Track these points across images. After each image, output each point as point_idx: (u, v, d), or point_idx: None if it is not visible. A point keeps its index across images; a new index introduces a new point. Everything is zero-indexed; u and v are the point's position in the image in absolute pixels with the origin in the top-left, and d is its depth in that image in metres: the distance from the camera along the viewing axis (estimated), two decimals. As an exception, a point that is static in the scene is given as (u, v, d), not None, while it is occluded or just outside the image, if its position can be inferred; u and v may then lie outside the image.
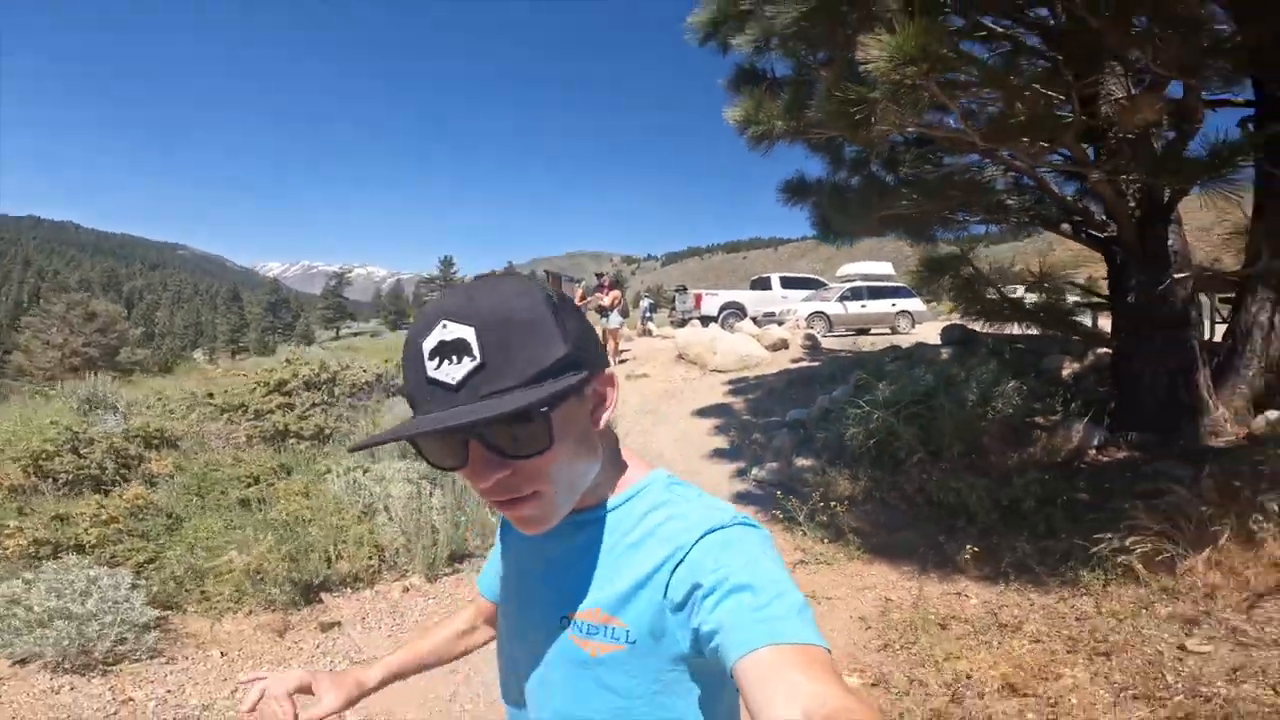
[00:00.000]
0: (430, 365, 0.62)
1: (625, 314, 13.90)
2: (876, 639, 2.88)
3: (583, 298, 13.46)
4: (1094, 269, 6.05)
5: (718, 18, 4.26)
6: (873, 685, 2.58)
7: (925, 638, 2.77)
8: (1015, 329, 6.23)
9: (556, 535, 0.72)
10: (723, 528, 0.66)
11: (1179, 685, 2.28)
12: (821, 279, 19.40)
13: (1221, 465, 3.78)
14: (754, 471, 5.42)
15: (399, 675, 0.97)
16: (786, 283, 18.01)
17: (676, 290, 20.47)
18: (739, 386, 9.07)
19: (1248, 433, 4.49)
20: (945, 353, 7.81)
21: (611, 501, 0.74)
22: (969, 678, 2.45)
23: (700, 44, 4.56)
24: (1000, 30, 3.82)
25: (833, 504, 3.99)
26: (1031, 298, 5.46)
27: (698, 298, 17.26)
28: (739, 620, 0.58)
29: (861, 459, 4.65)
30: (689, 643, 0.65)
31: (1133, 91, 3.42)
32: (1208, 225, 5.49)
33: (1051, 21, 3.82)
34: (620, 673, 0.69)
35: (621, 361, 11.63)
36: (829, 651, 0.57)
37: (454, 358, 0.61)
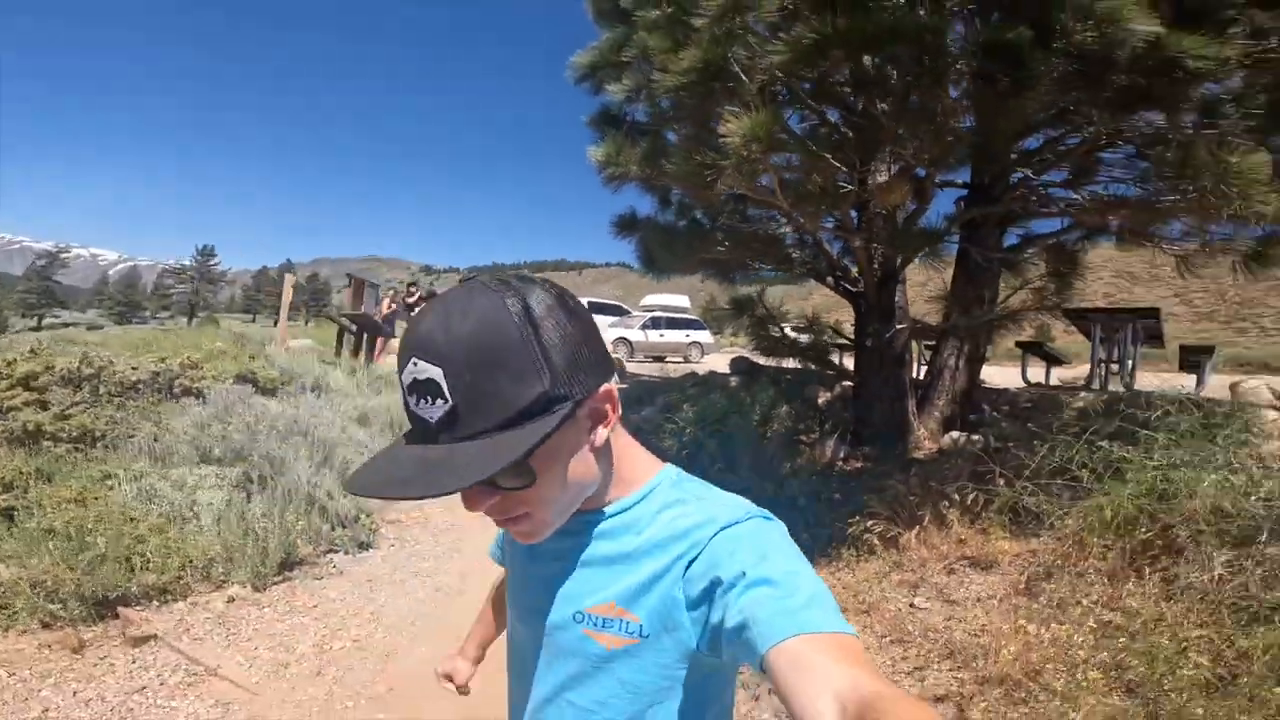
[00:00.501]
0: (410, 400, 0.63)
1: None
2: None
3: (389, 306, 12.95)
4: (842, 314, 7.62)
5: (598, 63, 4.81)
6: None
7: None
8: (791, 362, 7.57)
9: (568, 532, 0.73)
10: (738, 522, 0.68)
11: (916, 632, 3.08)
12: (625, 306, 20.75)
13: (924, 469, 5.14)
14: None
15: (485, 645, 1.15)
16: (593, 308, 18.99)
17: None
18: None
19: (939, 447, 6.07)
20: (734, 381, 9.06)
21: (624, 501, 0.74)
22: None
23: (575, 83, 5.09)
24: (813, 107, 4.85)
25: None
26: (803, 338, 6.74)
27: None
28: (765, 613, 0.58)
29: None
30: (703, 639, 0.66)
31: (891, 172, 4.61)
32: (921, 283, 7.27)
33: (848, 114, 4.96)
34: (631, 666, 0.70)
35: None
36: (857, 638, 0.57)
37: (428, 398, 0.61)
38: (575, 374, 0.64)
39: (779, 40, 3.26)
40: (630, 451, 0.77)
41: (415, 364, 0.61)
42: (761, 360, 7.94)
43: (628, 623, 0.69)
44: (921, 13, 3.26)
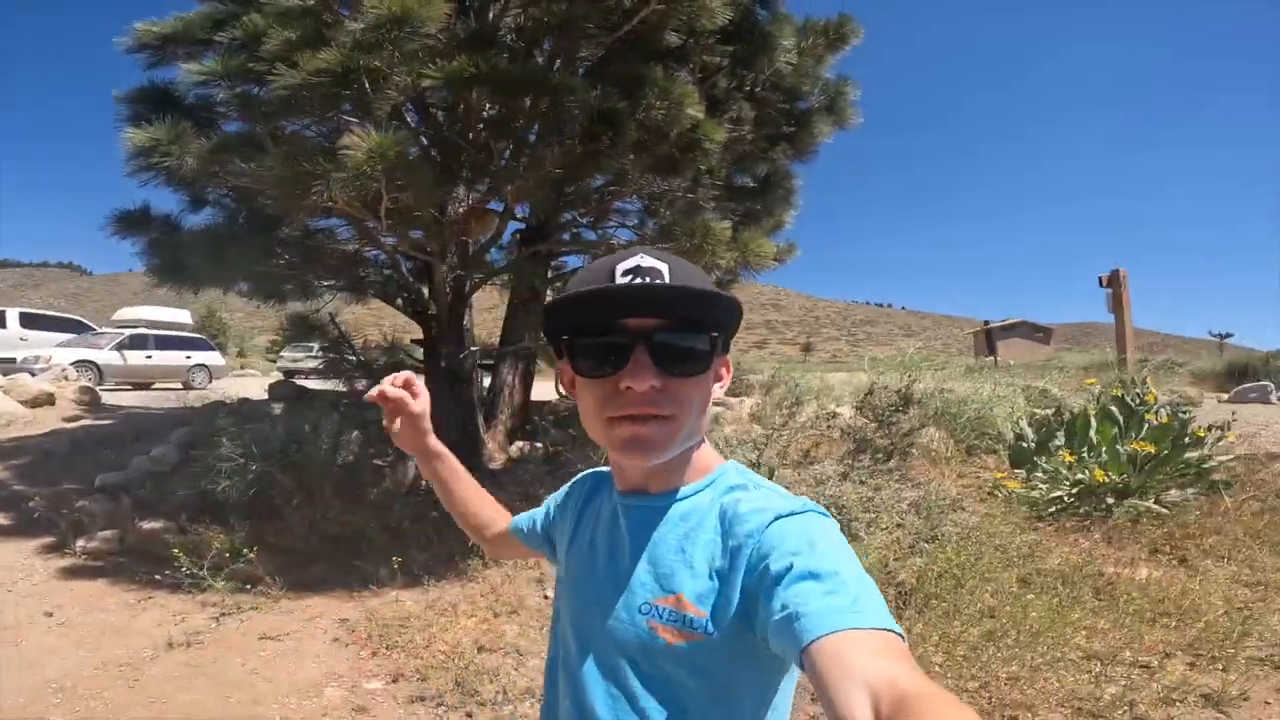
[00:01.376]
0: (621, 280, 0.71)
1: None
2: (366, 651, 3.15)
3: None
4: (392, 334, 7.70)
5: (179, 36, 3.61)
6: (393, 681, 2.88)
7: (410, 634, 3.22)
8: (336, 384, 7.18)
9: (633, 519, 0.78)
10: (794, 514, 0.69)
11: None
12: (84, 320, 15.56)
13: (502, 478, 5.68)
14: (80, 544, 4.37)
15: (450, 466, 1.13)
16: (30, 320, 13.66)
17: None
18: (-9, 453, 6.64)
19: (509, 458, 6.75)
20: (277, 408, 8.00)
21: (689, 488, 0.78)
22: (457, 646, 3.09)
23: (129, 51, 3.74)
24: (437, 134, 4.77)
25: (230, 554, 3.84)
26: (381, 360, 6.53)
27: None
28: (809, 607, 0.58)
29: (235, 510, 4.55)
30: (759, 629, 0.65)
31: (471, 202, 4.93)
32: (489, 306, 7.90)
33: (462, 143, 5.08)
34: (694, 662, 0.69)
35: None
36: (901, 637, 0.56)
37: (647, 278, 0.70)
38: (728, 321, 0.75)
39: (434, 65, 3.25)
40: (705, 442, 0.82)
41: (643, 257, 0.72)
42: (314, 384, 7.28)
43: (693, 618, 0.70)
44: (556, 73, 3.74)
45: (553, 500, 1.03)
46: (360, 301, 6.90)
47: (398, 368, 6.96)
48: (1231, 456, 4.87)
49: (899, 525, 3.89)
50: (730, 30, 4.51)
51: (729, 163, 5.33)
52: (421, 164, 3.65)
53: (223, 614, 3.52)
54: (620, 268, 0.72)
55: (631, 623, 0.73)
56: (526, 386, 7.97)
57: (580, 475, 0.99)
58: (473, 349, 6.79)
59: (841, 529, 0.70)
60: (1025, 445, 5.18)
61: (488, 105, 4.76)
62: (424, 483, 6.28)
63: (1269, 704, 2.48)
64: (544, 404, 8.52)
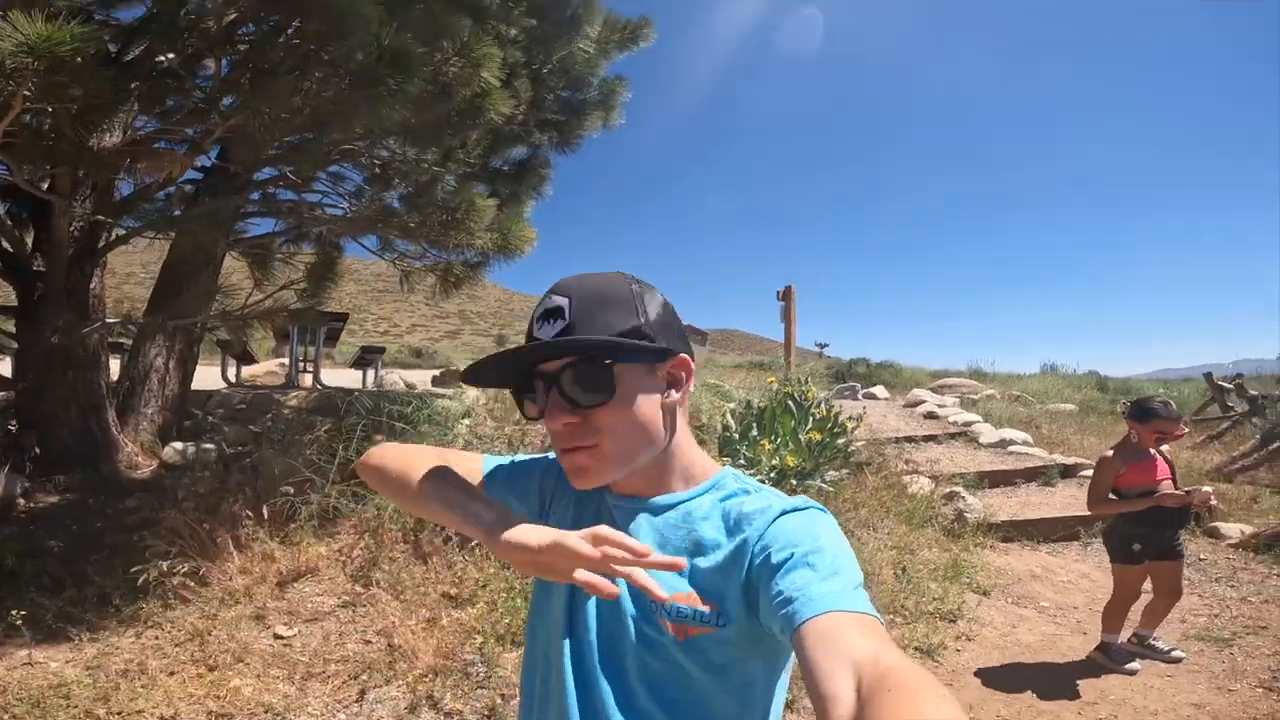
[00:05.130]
0: (536, 327, 0.78)
1: None
2: None
3: None
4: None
5: None
6: None
7: (80, 709, 2.29)
8: None
9: (635, 521, 0.81)
10: (797, 510, 0.74)
11: (308, 662, 2.77)
12: None
13: (157, 489, 4.34)
14: None
15: None
16: None
17: None
18: None
19: (162, 462, 5.20)
20: None
21: (690, 491, 0.82)
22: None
23: None
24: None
25: None
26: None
27: None
28: (804, 591, 0.62)
29: None
30: (765, 616, 0.68)
31: (129, 134, 3.58)
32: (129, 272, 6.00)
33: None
34: (705, 655, 0.73)
35: None
36: (882, 623, 0.61)
37: (552, 320, 0.77)
38: (663, 329, 0.79)
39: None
40: (697, 450, 0.86)
41: (550, 298, 0.78)
42: None
43: (704, 612, 0.72)
44: None
45: (543, 461, 0.97)
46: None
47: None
48: (864, 441, 6.30)
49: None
50: (542, 3, 4.16)
51: (488, 140, 4.91)
52: (100, 75, 2.51)
53: None
54: (536, 315, 0.80)
55: (645, 619, 0.76)
56: (185, 372, 6.24)
57: (554, 457, 0.94)
58: (107, 320, 5.10)
59: None
60: (730, 435, 5.91)
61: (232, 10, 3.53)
62: (28, 504, 4.47)
63: (957, 650, 3.26)
64: (210, 394, 6.83)
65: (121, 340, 6.86)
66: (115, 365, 6.50)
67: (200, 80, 3.79)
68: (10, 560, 3.26)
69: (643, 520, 0.81)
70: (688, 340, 0.84)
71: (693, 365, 0.83)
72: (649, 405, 0.78)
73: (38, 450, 4.76)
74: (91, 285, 5.08)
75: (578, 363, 0.75)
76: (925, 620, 3.59)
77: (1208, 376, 11.61)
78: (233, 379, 8.36)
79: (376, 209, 4.40)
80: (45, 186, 3.90)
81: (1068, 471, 6.64)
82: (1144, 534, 3.23)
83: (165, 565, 3.17)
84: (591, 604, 0.80)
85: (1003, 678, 3.22)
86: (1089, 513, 3.45)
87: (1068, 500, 5.84)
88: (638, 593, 0.75)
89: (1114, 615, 3.36)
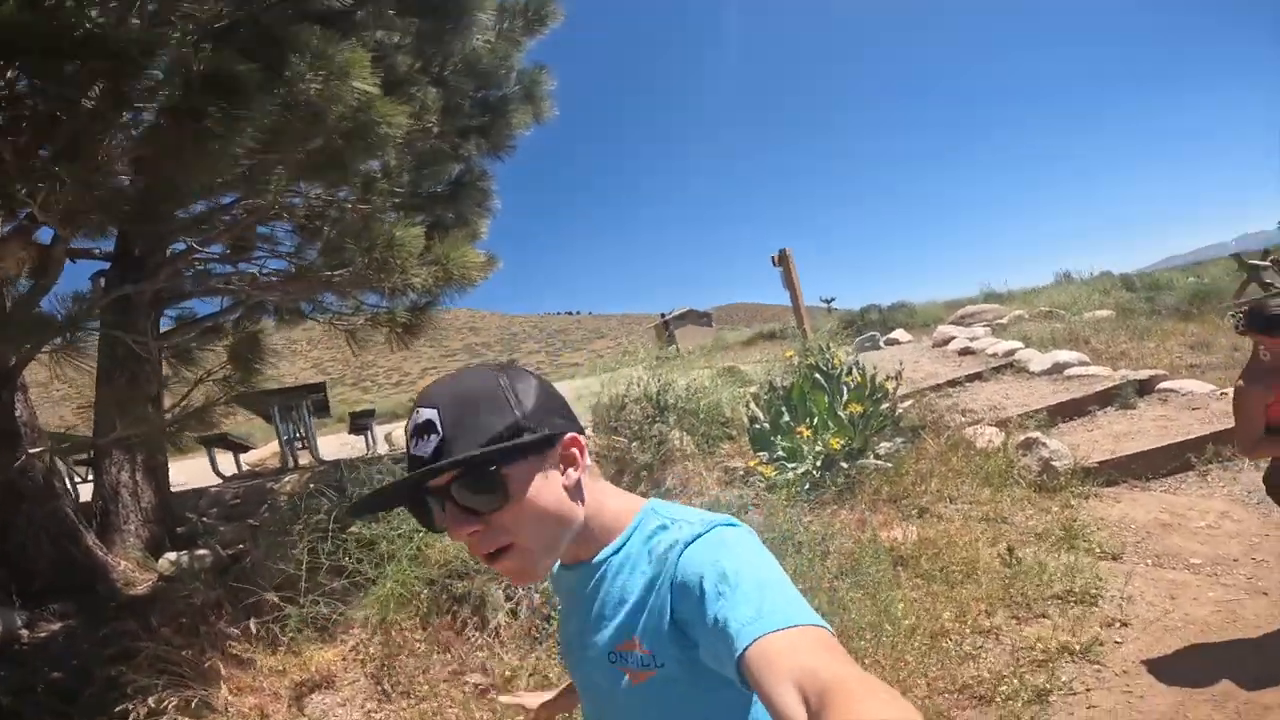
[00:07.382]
0: (412, 445, 0.77)
1: None
2: None
3: None
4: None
5: None
6: None
7: None
8: None
9: (581, 581, 0.83)
10: (699, 537, 0.74)
11: None
12: None
13: (161, 607, 3.89)
14: None
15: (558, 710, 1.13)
16: None
17: None
18: None
19: (160, 576, 4.67)
20: None
21: (615, 543, 0.82)
22: None
23: None
24: None
25: None
26: None
27: None
28: (726, 627, 0.63)
29: None
30: (703, 653, 0.68)
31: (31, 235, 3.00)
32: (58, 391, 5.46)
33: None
34: (657, 696, 0.75)
35: None
36: (821, 627, 0.60)
37: (425, 436, 0.75)
38: (543, 415, 0.78)
39: None
40: (612, 500, 0.85)
41: (418, 411, 0.78)
42: None
43: (642, 656, 0.75)
44: (136, 22, 2.25)
45: None
46: None
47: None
48: (909, 400, 5.59)
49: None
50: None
51: (412, 163, 4.26)
52: None
53: None
54: (408, 431, 0.77)
55: (604, 669, 0.79)
56: (159, 480, 5.70)
57: None
58: (40, 450, 4.55)
59: None
60: (760, 427, 5.24)
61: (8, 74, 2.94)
62: (32, 635, 3.99)
63: (1116, 642, 2.59)
64: (200, 493, 6.29)
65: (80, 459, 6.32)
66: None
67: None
68: (6, 700, 3.00)
69: (585, 582, 0.82)
70: (570, 413, 0.83)
71: (583, 441, 0.81)
72: (550, 492, 0.77)
73: (19, 587, 4.32)
74: (17, 412, 4.53)
75: (463, 475, 0.73)
76: (1056, 607, 2.88)
77: (1236, 257, 10.81)
78: (226, 472, 7.80)
79: (300, 266, 3.78)
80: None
81: (1143, 388, 5.83)
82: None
83: (153, 702, 2.77)
84: (581, 666, 0.85)
85: (1190, 669, 2.47)
86: (1243, 455, 2.74)
87: (1160, 424, 5.03)
88: (599, 649, 0.79)
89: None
